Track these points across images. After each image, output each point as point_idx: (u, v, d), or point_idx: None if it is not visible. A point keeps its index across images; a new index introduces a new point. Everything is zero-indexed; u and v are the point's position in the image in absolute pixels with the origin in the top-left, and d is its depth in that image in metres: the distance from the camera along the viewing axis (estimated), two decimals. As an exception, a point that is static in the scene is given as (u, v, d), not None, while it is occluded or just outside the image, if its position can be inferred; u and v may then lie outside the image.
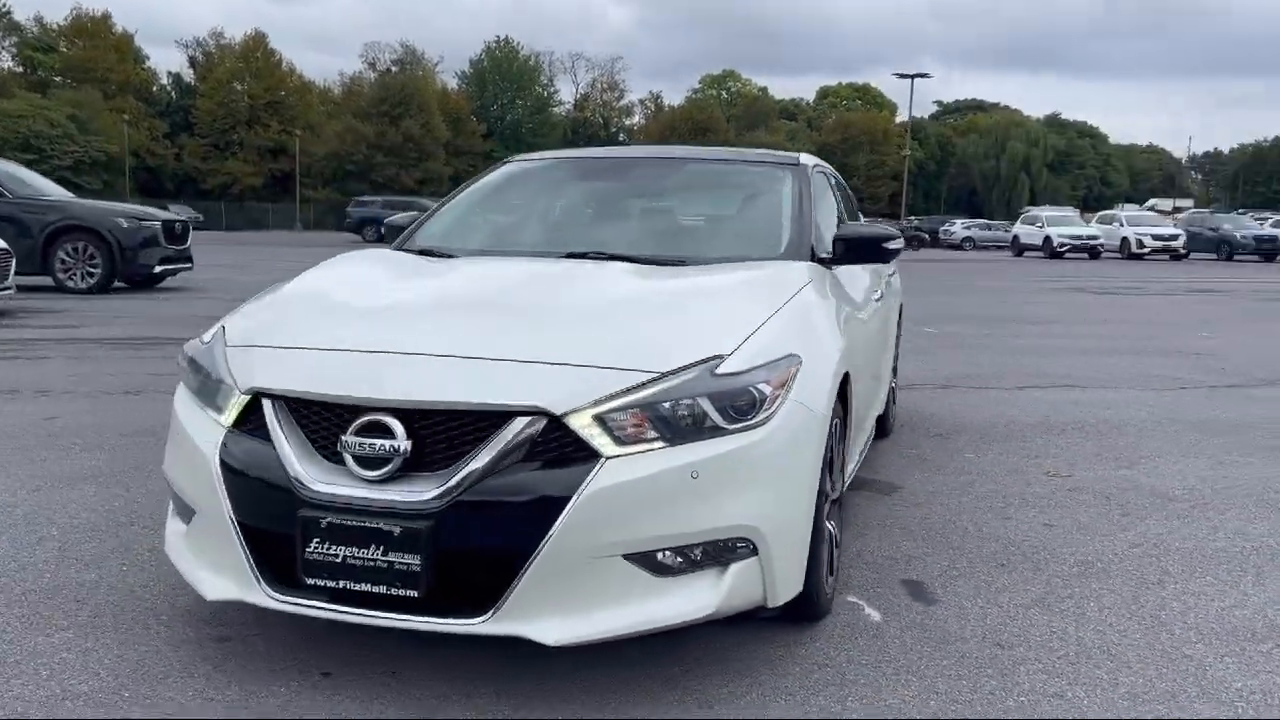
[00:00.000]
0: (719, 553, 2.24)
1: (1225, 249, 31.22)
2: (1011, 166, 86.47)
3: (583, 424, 2.15)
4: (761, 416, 2.28)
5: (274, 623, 2.63)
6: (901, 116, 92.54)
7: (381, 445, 2.15)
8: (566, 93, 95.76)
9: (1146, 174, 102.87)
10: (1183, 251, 31.15)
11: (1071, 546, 3.51)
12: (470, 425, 2.16)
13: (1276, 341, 10.22)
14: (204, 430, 2.39)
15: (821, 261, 3.35)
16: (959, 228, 48.52)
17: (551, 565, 2.10)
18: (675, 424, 2.19)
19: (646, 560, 2.17)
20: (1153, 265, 28.15)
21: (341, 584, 2.17)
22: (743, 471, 2.24)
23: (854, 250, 3.45)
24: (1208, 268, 27.36)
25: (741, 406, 2.26)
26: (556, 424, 2.15)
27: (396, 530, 2.11)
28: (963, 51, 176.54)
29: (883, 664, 2.53)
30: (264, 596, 2.25)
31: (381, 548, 2.13)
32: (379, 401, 2.20)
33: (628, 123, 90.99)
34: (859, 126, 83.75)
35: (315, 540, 2.16)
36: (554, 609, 2.13)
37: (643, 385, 2.21)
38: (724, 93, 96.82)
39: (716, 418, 2.22)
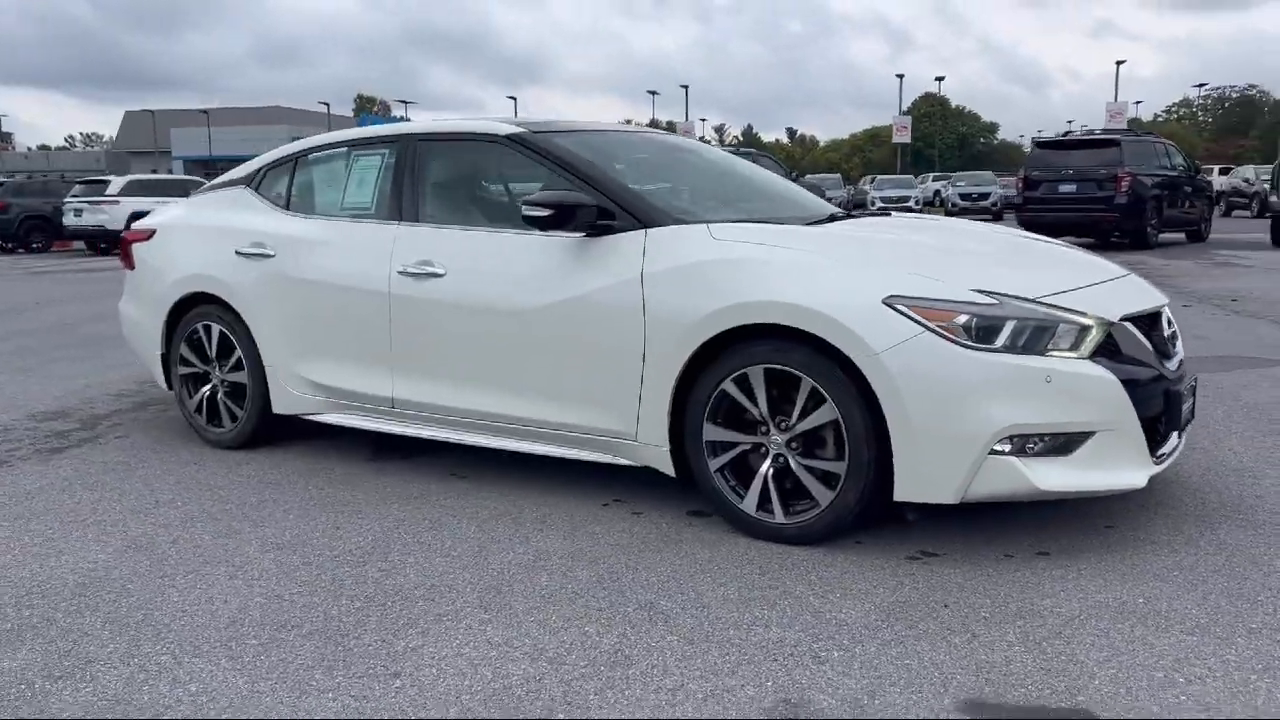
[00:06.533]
0: None
1: None
2: None
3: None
4: None
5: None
6: None
7: (1168, 333, 3.35)
8: None
9: None
10: None
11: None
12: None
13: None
14: (1076, 369, 2.88)
15: None
16: None
17: None
18: None
19: None
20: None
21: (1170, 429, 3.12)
22: None
23: None
24: None
25: None
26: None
27: (1187, 386, 3.22)
28: None
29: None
30: (1153, 467, 3.01)
31: (1188, 401, 3.20)
32: (1158, 307, 3.32)
33: None
34: None
35: (1175, 405, 3.07)
36: None
37: None
38: None
39: None
